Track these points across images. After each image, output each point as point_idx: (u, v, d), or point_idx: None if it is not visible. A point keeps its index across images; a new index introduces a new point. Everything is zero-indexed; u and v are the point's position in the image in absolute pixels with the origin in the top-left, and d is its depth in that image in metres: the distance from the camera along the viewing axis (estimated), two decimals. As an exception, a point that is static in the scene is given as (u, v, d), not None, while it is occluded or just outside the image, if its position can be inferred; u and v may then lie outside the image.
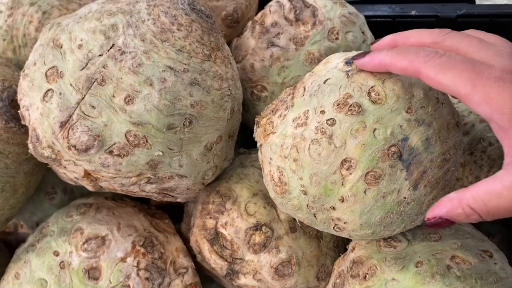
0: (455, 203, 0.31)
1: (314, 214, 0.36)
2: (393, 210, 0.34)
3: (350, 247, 0.42)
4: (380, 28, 0.55)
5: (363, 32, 0.48)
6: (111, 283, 0.40)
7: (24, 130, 0.40)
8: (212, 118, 0.38)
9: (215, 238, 0.43)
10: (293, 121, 0.36)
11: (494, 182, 0.29)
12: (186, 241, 0.48)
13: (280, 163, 0.36)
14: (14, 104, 0.40)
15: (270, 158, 0.37)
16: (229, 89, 0.39)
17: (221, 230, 0.43)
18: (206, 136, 0.38)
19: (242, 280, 0.43)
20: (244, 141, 0.55)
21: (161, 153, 0.36)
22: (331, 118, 0.34)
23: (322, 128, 0.34)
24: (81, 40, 0.35)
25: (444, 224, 0.32)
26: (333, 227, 0.37)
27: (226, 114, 0.39)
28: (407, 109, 0.33)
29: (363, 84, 0.34)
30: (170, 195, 0.40)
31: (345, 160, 0.33)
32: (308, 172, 0.34)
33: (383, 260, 0.38)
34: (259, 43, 0.47)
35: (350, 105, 0.33)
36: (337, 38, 0.46)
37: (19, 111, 0.38)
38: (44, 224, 0.45)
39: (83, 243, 0.41)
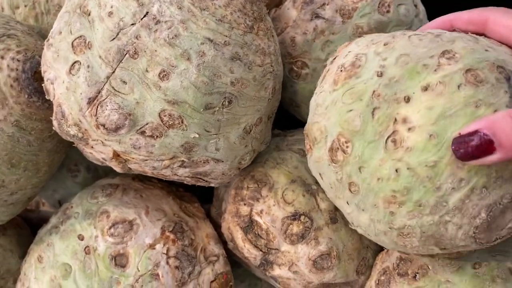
0: (500, 114, 0.26)
1: (374, 108, 0.29)
2: None
3: (396, 241, 0.39)
4: (433, 1, 0.50)
5: (415, 5, 0.44)
6: (139, 271, 0.38)
7: (48, 105, 0.37)
8: (253, 97, 0.34)
9: (250, 226, 0.40)
10: None
11: None
12: (216, 226, 0.45)
13: (362, 51, 0.33)
14: (37, 76, 0.36)
15: (349, 51, 0.34)
16: (271, 65, 0.35)
17: (256, 218, 0.40)
18: (245, 117, 0.35)
19: (277, 271, 0.40)
20: (278, 122, 0.51)
21: (197, 135, 0.33)
22: None
23: None
24: (112, 7, 0.31)
25: (479, 144, 0.25)
26: (387, 138, 0.29)
27: (268, 93, 0.36)
28: None
29: None
30: (203, 180, 0.37)
31: (447, 51, 0.29)
32: (398, 52, 0.30)
33: (436, 259, 0.34)
34: (302, 14, 0.42)
35: None
36: (388, 11, 0.42)
37: (42, 84, 0.35)
38: (68, 205, 0.42)
39: (110, 228, 0.39)
